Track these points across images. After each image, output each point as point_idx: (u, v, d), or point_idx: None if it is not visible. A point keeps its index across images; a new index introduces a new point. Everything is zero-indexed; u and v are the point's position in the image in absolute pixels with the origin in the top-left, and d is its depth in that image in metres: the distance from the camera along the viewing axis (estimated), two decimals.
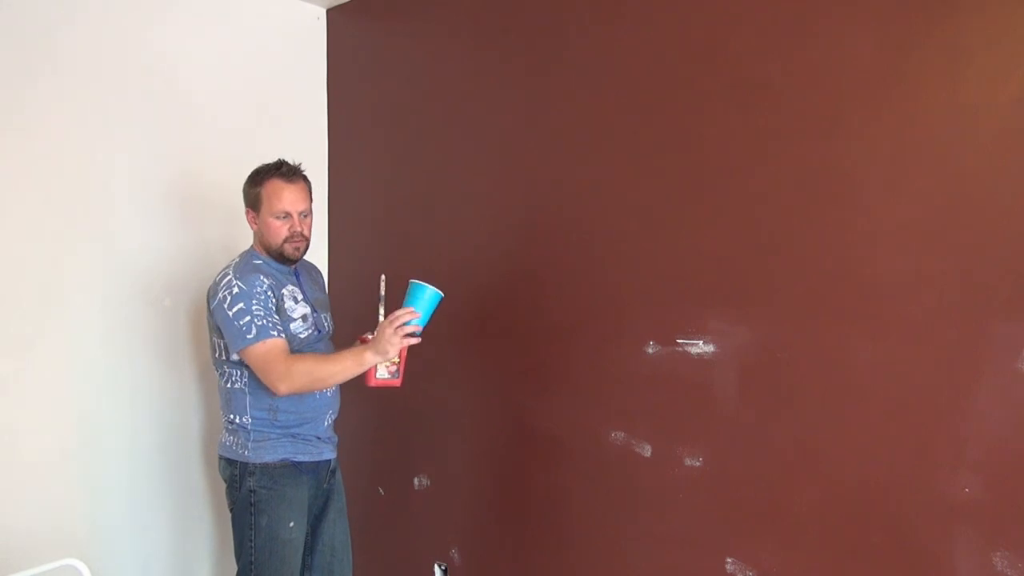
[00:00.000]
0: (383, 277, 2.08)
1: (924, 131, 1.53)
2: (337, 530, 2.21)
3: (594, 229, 2.11)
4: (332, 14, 2.95)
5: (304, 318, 2.07)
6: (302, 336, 2.04)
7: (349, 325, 2.99)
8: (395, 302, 1.98)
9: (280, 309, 2.00)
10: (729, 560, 1.83)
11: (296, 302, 2.06)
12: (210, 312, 2.01)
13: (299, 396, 2.03)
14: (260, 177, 2.03)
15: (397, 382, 2.08)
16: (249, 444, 2.02)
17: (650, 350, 1.97)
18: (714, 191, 1.85)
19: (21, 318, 2.21)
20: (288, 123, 2.85)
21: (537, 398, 2.26)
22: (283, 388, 1.92)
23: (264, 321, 1.92)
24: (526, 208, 2.29)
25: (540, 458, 2.26)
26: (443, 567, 2.57)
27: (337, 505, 2.22)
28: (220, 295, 1.96)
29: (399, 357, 2.05)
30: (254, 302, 1.93)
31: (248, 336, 1.91)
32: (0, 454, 2.19)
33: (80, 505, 2.37)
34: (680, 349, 1.91)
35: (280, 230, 2.01)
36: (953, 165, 1.50)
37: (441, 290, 1.95)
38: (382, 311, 2.05)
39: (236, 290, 1.94)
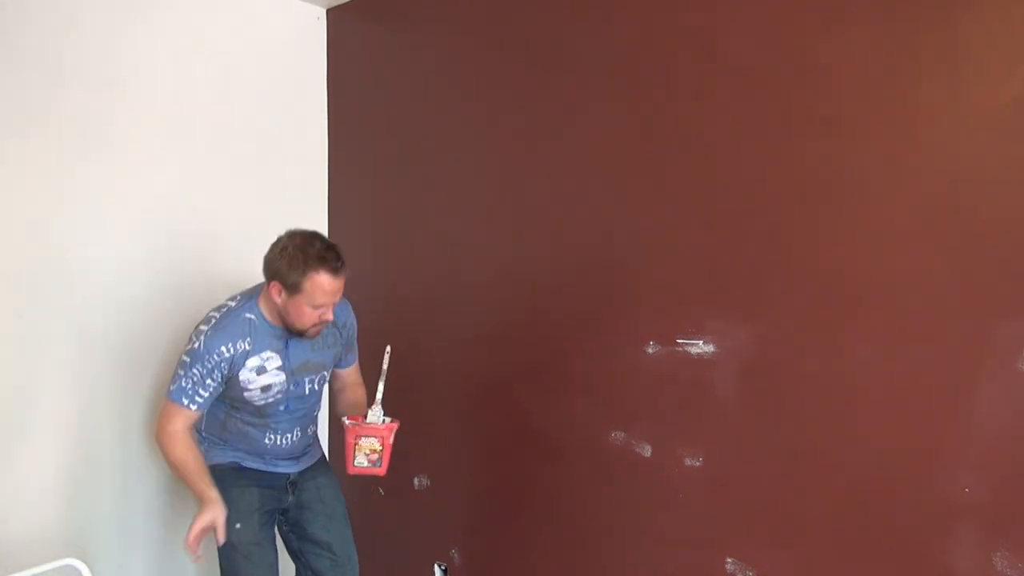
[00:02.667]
0: (388, 349, 2.01)
1: (924, 131, 1.53)
2: (333, 535, 2.20)
3: (594, 229, 2.11)
4: (332, 14, 2.95)
5: (266, 388, 2.00)
6: (257, 404, 2.03)
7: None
8: (394, 371, 2.03)
9: (232, 379, 1.97)
10: (729, 560, 1.83)
11: (261, 373, 1.98)
12: None
13: (248, 441, 2.09)
14: (305, 266, 1.86)
15: (380, 471, 2.00)
16: (202, 447, 2.06)
17: (650, 350, 1.97)
18: (714, 191, 1.85)
19: (20, 320, 2.21)
20: (288, 123, 2.85)
21: (537, 398, 2.26)
22: (158, 443, 1.99)
23: (189, 386, 1.93)
24: (526, 208, 2.29)
25: (540, 458, 2.26)
26: (443, 567, 2.57)
27: (324, 511, 2.21)
28: (193, 332, 1.98)
29: (381, 445, 1.98)
30: (197, 367, 1.92)
31: (171, 387, 1.95)
32: (0, 454, 2.19)
33: (79, 505, 2.37)
34: (680, 349, 1.91)
35: (311, 317, 1.92)
36: (953, 165, 1.50)
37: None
38: (381, 386, 2.01)
39: (197, 345, 1.93)
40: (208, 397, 1.97)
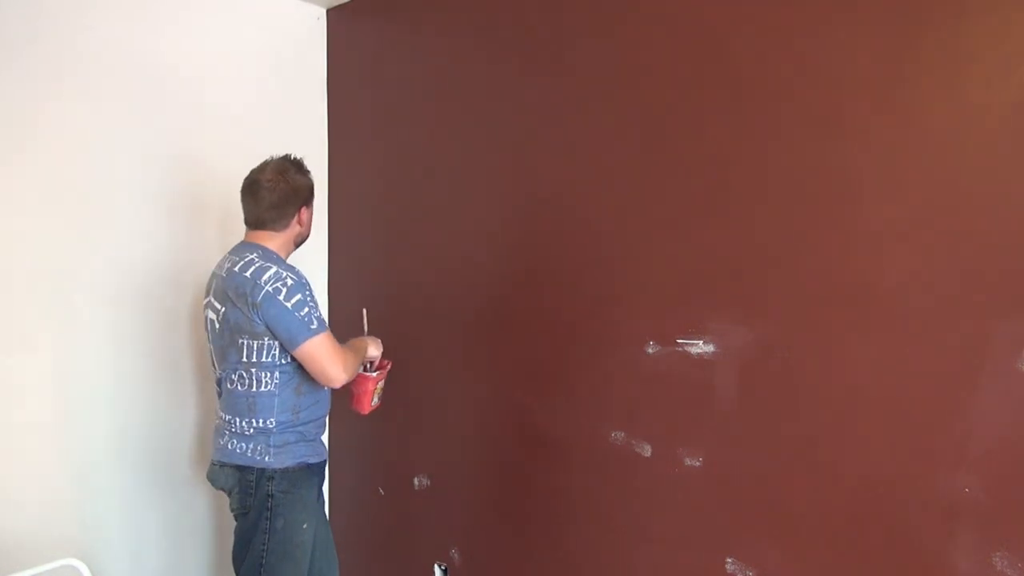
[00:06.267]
0: (364, 311, 2.27)
1: (924, 131, 1.53)
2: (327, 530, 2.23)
3: (594, 229, 2.11)
4: (332, 14, 2.95)
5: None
6: None
7: (347, 326, 3.00)
8: (395, 372, 2.33)
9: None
10: (729, 560, 1.83)
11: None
12: (252, 307, 1.90)
13: (315, 396, 2.07)
14: (304, 178, 2.10)
15: (379, 404, 2.29)
16: (271, 450, 1.99)
17: (650, 350, 1.97)
18: (715, 191, 1.85)
19: (20, 318, 2.21)
20: (288, 123, 2.85)
21: (537, 398, 2.26)
22: (342, 378, 1.97)
23: (319, 313, 1.96)
24: (526, 208, 2.29)
25: (540, 458, 2.26)
26: (443, 567, 2.57)
27: (320, 500, 2.22)
28: (268, 288, 1.88)
29: (384, 383, 2.27)
30: (309, 295, 1.94)
31: (312, 327, 1.91)
32: (0, 454, 2.19)
33: (79, 505, 2.37)
34: (680, 349, 1.91)
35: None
36: (953, 165, 1.50)
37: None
38: (366, 328, 2.31)
39: (291, 282, 1.91)
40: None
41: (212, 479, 2.08)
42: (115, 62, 2.38)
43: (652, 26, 1.97)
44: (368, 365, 2.25)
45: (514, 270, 2.33)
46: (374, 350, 2.21)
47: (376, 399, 2.24)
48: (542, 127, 2.23)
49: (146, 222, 2.47)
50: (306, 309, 1.90)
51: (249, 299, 1.90)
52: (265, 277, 1.90)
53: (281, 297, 1.88)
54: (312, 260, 2.94)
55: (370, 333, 2.29)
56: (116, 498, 2.46)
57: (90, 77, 2.32)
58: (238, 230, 2.12)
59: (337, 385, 1.98)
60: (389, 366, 2.29)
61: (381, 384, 2.25)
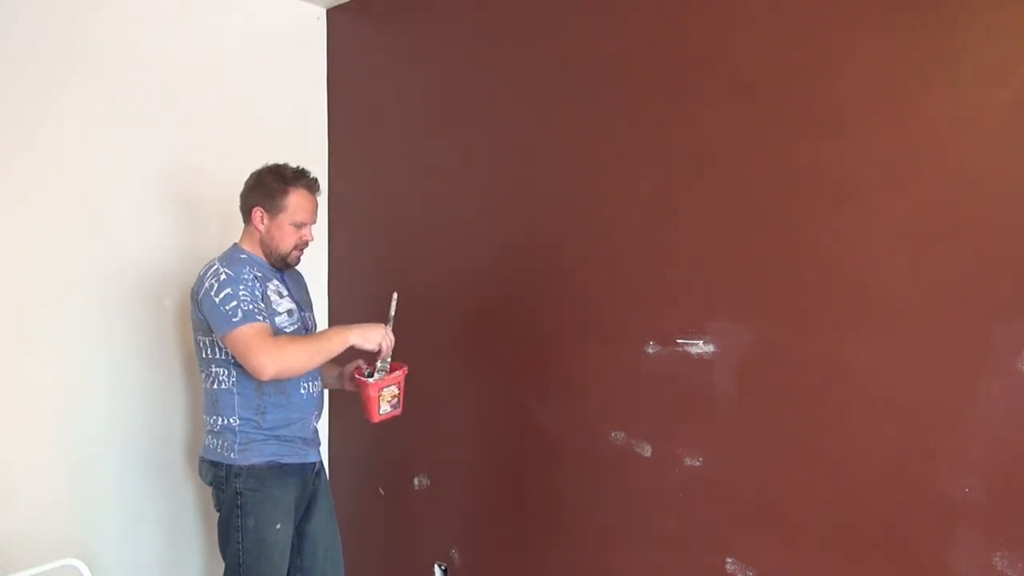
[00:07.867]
0: (395, 296, 2.10)
1: (924, 131, 1.53)
2: (327, 530, 2.20)
3: (594, 229, 2.11)
4: (332, 14, 2.95)
5: (289, 313, 2.06)
6: (288, 331, 2.03)
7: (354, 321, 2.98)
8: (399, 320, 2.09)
9: (265, 301, 1.98)
10: (729, 560, 1.83)
11: (281, 297, 2.06)
12: (196, 304, 1.96)
13: (286, 397, 2.03)
14: (286, 183, 2.01)
15: (398, 412, 2.14)
16: (236, 447, 1.99)
17: (650, 350, 1.97)
18: (714, 191, 1.85)
19: (17, 319, 2.21)
20: (288, 123, 2.85)
21: (537, 398, 2.26)
22: (269, 368, 1.86)
23: (250, 306, 1.90)
24: (526, 208, 2.29)
25: (540, 458, 2.26)
26: (443, 567, 2.57)
27: (325, 505, 2.21)
28: (207, 284, 1.93)
29: (398, 388, 2.10)
30: (241, 288, 1.92)
31: (234, 319, 1.87)
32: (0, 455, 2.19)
33: (78, 505, 2.37)
34: (680, 349, 1.91)
35: (293, 237, 2.04)
36: (953, 165, 1.50)
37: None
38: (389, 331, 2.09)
39: (224, 277, 1.92)
40: (266, 312, 1.95)
41: (199, 473, 2.13)
42: (114, 63, 2.38)
43: (651, 27, 1.97)
44: (372, 366, 2.12)
45: (514, 270, 2.33)
46: (357, 338, 1.99)
47: (387, 407, 2.10)
48: (543, 128, 2.23)
49: (144, 221, 2.47)
50: (233, 303, 1.88)
51: (195, 296, 1.98)
52: (208, 274, 1.96)
53: (213, 292, 1.92)
54: (312, 260, 2.94)
55: (393, 327, 2.10)
56: (115, 498, 2.45)
57: (89, 78, 2.32)
58: (236, 230, 2.12)
59: (264, 377, 1.87)
60: (403, 371, 2.11)
61: (392, 390, 2.09)
